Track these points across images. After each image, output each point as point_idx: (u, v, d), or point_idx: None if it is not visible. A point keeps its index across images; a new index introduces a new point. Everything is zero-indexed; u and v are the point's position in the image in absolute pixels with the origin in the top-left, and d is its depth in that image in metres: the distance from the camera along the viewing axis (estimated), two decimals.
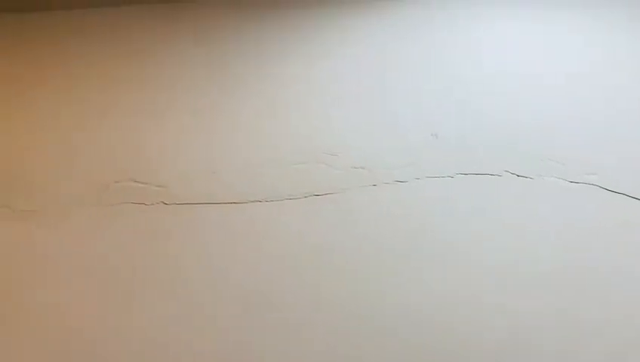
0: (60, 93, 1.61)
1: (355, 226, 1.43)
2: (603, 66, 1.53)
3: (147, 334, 1.36)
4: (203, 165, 1.52)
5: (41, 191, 1.51)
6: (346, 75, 1.58)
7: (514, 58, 1.54)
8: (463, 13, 1.60)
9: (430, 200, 1.44)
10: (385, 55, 1.58)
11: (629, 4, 1.55)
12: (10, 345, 1.37)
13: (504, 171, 1.43)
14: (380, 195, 1.46)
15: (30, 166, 1.54)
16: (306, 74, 1.58)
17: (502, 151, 1.45)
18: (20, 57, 1.64)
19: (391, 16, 1.62)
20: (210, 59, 1.63)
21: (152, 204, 1.48)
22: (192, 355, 1.35)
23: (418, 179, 1.46)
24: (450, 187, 1.45)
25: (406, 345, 1.33)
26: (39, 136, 1.57)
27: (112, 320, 1.39)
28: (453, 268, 1.38)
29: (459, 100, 1.51)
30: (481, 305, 1.34)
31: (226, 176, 1.50)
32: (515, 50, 1.56)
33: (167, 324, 1.38)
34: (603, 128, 1.45)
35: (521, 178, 1.42)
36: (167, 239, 1.45)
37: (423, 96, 1.54)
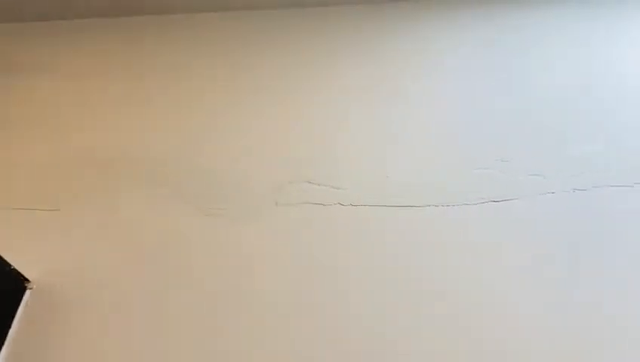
0: (238, 95, 1.72)
1: (532, 234, 1.43)
2: None
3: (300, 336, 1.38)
4: (377, 167, 1.58)
5: (224, 191, 1.59)
6: (519, 83, 1.61)
7: None
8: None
9: (610, 208, 1.43)
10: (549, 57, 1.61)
11: None
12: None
13: None
14: (556, 204, 1.47)
15: (210, 166, 1.63)
16: (480, 79, 1.63)
17: None
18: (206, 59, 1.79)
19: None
20: (389, 65, 1.71)
21: (330, 205, 1.54)
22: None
23: (597, 187, 1.46)
24: (629, 196, 1.44)
25: None
26: (217, 135, 1.68)
27: (277, 318, 1.37)
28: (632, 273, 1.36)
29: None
30: None
31: (400, 180, 1.55)
32: None
33: (335, 325, 1.35)
34: None
35: None
36: (343, 240, 1.48)
37: (602, 103, 1.56)
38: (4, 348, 1.27)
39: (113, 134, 1.72)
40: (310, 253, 1.46)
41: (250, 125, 1.72)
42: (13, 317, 1.31)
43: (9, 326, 1.30)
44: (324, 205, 1.54)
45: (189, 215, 1.53)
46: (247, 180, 1.60)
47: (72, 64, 1.92)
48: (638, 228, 1.41)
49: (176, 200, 1.56)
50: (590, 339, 1.25)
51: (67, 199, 1.57)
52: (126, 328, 1.34)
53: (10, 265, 1.32)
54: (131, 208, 1.55)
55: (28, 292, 1.37)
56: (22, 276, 1.36)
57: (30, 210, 1.55)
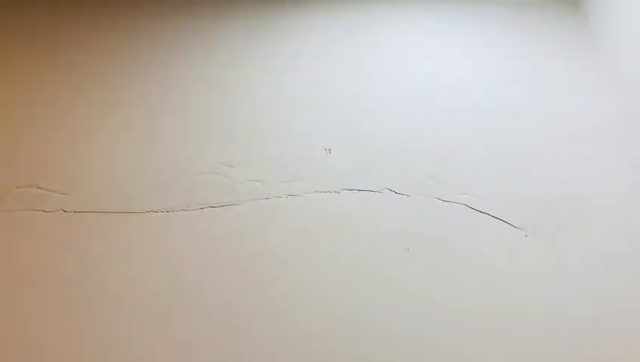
0: None
1: (246, 239, 1.50)
2: (491, 89, 1.70)
3: (29, 343, 1.38)
4: (104, 173, 1.58)
5: None
6: (243, 88, 1.68)
7: (405, 81, 1.69)
8: (363, 29, 1.75)
9: (317, 214, 1.54)
10: (282, 70, 1.69)
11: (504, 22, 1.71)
12: None
13: (384, 188, 1.56)
14: (271, 209, 1.56)
15: None
16: (206, 87, 1.68)
17: (384, 169, 1.58)
18: None
19: (294, 29, 1.75)
20: (114, 70, 1.71)
21: (52, 211, 1.53)
22: None
23: (308, 193, 1.57)
24: (335, 202, 1.56)
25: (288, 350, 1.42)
26: None
27: None
28: (332, 275, 1.48)
29: (352, 117, 1.64)
30: (354, 304, 1.44)
31: (126, 186, 1.57)
32: (408, 73, 1.71)
33: (55, 334, 1.38)
34: (478, 152, 1.61)
35: (399, 195, 1.55)
36: (62, 247, 1.49)
37: (319, 111, 1.67)
38: None
39: None
40: (22, 261, 1.46)
41: None
42: None
43: None
44: (45, 211, 1.52)
45: None
46: None
47: None
48: (344, 229, 1.52)
49: None
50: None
51: None
52: None
53: None
54: None
55: None
56: None
57: None
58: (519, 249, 1.47)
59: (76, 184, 1.57)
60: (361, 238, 1.51)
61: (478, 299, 1.43)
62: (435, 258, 1.48)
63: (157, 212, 1.54)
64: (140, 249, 1.50)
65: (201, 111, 1.67)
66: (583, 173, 1.58)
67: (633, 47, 1.60)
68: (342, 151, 1.61)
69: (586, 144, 1.63)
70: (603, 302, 1.39)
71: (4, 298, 1.43)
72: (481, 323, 1.40)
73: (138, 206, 1.54)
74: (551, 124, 1.65)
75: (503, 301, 1.41)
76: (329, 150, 1.62)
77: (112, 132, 1.63)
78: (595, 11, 1.78)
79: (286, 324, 1.40)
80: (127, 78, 1.71)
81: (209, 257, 1.49)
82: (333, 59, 1.76)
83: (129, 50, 1.74)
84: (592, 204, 1.53)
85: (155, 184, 1.57)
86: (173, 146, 1.62)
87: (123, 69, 1.74)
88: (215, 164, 1.60)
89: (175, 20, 1.87)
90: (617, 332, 1.35)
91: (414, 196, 1.55)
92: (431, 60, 1.76)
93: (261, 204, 1.56)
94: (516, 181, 1.56)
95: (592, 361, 1.32)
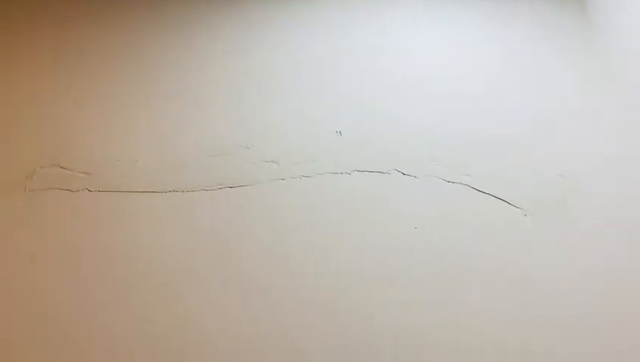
0: None
1: (262, 217, 1.59)
2: (492, 77, 1.79)
3: (53, 318, 1.46)
4: (126, 153, 1.65)
5: None
6: (259, 73, 1.75)
7: (410, 69, 1.77)
8: (368, 15, 1.82)
9: (329, 194, 1.63)
10: (296, 56, 1.76)
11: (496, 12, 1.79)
12: None
13: (393, 170, 1.66)
14: (286, 189, 1.64)
15: None
16: (221, 71, 1.74)
17: (393, 152, 1.67)
18: None
19: (300, 16, 1.81)
20: (134, 51, 1.75)
21: (77, 191, 1.60)
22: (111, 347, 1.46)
23: (321, 174, 1.66)
24: (347, 183, 1.65)
25: (313, 332, 1.50)
26: None
27: (26, 305, 1.46)
28: (344, 253, 1.59)
29: (361, 101, 1.73)
30: (365, 290, 1.56)
31: (147, 165, 1.64)
32: (412, 58, 1.79)
33: (80, 309, 1.46)
34: (480, 135, 1.70)
35: (407, 176, 1.65)
36: (89, 226, 1.56)
37: (331, 95, 1.75)
38: None
39: None
40: (48, 240, 1.53)
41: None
42: None
43: None
44: (70, 191, 1.59)
45: None
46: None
47: None
48: (355, 209, 1.62)
49: None
50: None
51: None
52: None
53: None
54: None
55: None
56: None
57: None
58: (518, 227, 1.58)
59: (100, 164, 1.63)
60: (370, 217, 1.61)
61: (479, 275, 1.55)
62: (440, 236, 1.59)
63: (178, 191, 1.62)
64: (162, 227, 1.57)
65: (217, 96, 1.73)
66: (580, 154, 1.69)
67: (633, 38, 1.69)
68: (352, 134, 1.70)
69: (585, 129, 1.73)
70: (602, 278, 1.51)
71: (30, 276, 1.50)
72: (483, 302, 1.52)
73: (160, 186, 1.62)
74: (549, 110, 1.75)
75: (502, 278, 1.53)
76: (340, 132, 1.71)
77: (133, 114, 1.69)
78: (595, 2, 1.86)
79: (298, 301, 1.50)
80: (146, 64, 1.76)
81: (226, 235, 1.57)
82: (340, 46, 1.82)
83: (148, 36, 1.78)
84: (590, 184, 1.64)
85: (175, 165, 1.64)
86: (192, 129, 1.69)
87: (143, 55, 1.78)
88: (232, 146, 1.68)
89: (182, 7, 1.91)
90: (617, 306, 1.48)
91: (421, 177, 1.65)
92: (434, 49, 1.84)
93: (276, 185, 1.65)
94: (516, 163, 1.66)
95: (594, 336, 1.45)
